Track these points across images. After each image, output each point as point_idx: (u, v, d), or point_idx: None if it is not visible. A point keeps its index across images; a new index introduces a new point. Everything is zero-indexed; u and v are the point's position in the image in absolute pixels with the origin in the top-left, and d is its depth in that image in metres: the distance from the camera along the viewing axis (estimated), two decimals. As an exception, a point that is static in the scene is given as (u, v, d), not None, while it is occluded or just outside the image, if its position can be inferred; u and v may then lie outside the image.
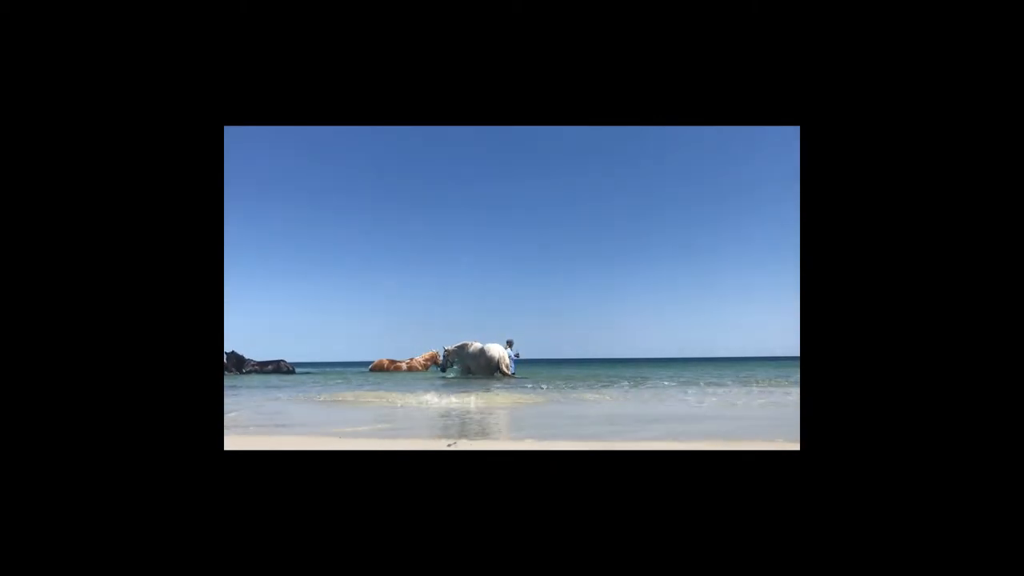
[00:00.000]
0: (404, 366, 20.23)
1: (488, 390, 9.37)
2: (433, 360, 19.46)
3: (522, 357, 14.77)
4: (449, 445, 3.82)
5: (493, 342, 14.56)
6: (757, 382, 11.12)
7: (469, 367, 14.55)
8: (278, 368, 20.02)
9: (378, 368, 20.53)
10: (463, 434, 4.51)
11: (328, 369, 25.03)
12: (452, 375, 14.89)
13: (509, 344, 14.59)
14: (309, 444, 3.95)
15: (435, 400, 7.68)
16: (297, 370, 20.45)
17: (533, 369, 17.47)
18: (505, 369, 14.03)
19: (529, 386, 10.34)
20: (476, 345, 14.52)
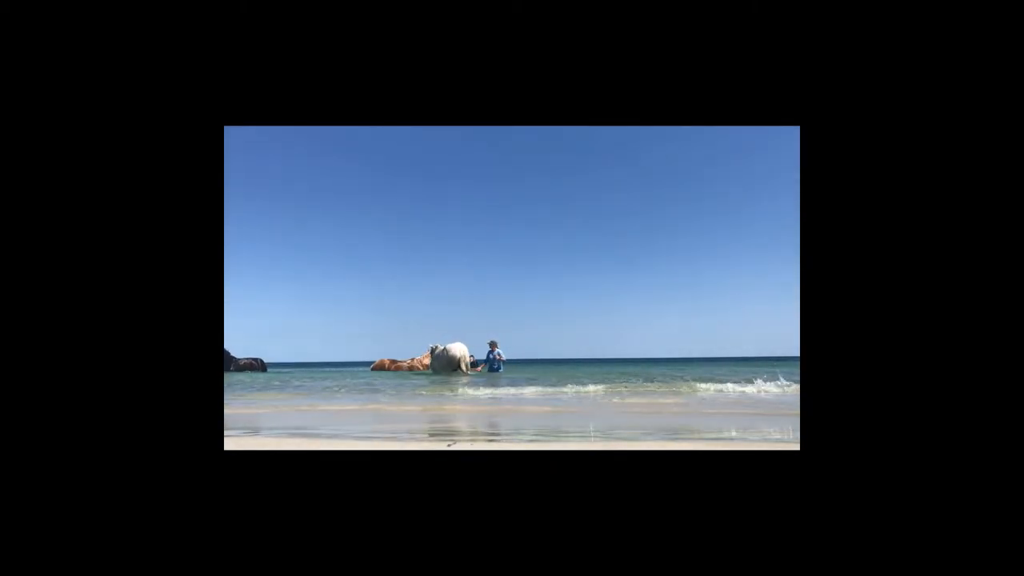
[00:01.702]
0: (405, 366, 20.28)
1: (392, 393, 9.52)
2: None
3: (519, 357, 16.41)
4: (449, 445, 3.82)
5: (489, 341, 16.52)
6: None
7: (434, 366, 16.68)
8: (253, 366, 20.93)
9: (379, 368, 20.59)
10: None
11: (319, 370, 24.67)
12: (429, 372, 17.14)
13: (493, 345, 16.15)
14: (309, 444, 3.95)
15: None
16: (292, 372, 21.14)
17: (524, 369, 18.21)
18: (464, 368, 15.96)
19: (464, 382, 10.91)
20: (440, 347, 16.60)
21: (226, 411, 6.76)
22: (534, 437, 4.35)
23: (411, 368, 19.99)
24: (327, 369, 25.22)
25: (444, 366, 16.22)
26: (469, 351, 16.34)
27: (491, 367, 16.10)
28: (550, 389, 9.50)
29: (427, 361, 19.96)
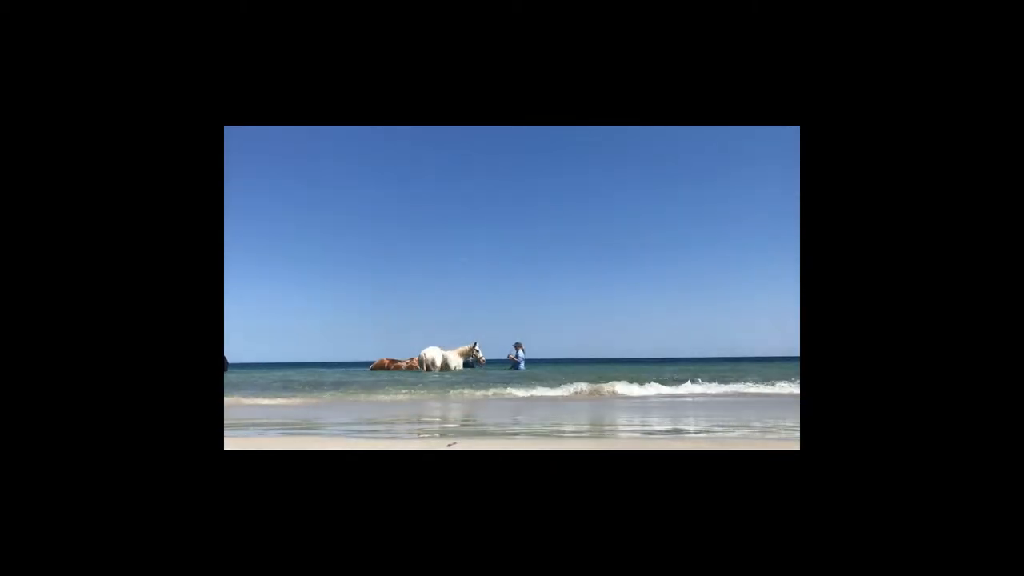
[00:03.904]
0: (404, 365, 20.31)
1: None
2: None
3: (531, 357, 19.21)
4: (449, 445, 3.82)
5: (514, 343, 19.14)
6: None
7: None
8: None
9: (379, 367, 20.62)
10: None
11: (304, 370, 23.76)
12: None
13: (517, 347, 18.81)
14: (309, 444, 3.95)
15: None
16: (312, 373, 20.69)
17: (536, 367, 19.13)
18: (430, 367, 19.07)
19: (412, 380, 12.34)
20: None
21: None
22: (534, 437, 4.36)
23: (410, 367, 20.01)
24: (310, 369, 24.28)
25: (424, 366, 19.36)
26: (440, 354, 19.54)
27: (514, 365, 18.46)
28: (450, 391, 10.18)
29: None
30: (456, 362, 19.84)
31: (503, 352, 19.17)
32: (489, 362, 20.11)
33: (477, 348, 19.72)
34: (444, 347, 20.34)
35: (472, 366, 19.56)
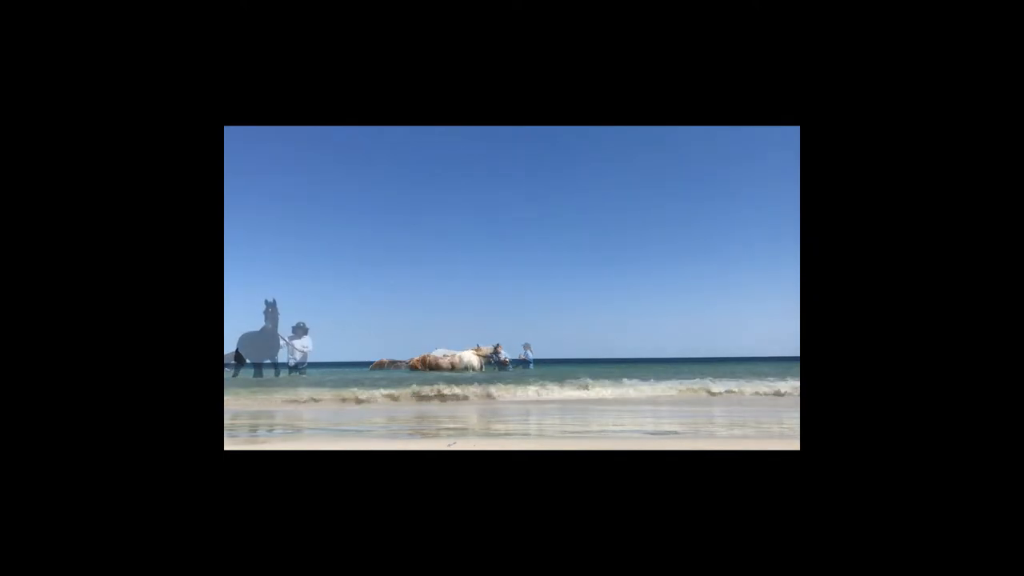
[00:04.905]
0: (403, 365, 20.40)
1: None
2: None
3: (538, 357, 20.04)
4: (449, 445, 3.82)
5: (523, 344, 20.04)
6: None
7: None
8: (240, 360, 20.06)
9: (379, 367, 20.76)
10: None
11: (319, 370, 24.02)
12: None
13: (526, 347, 19.88)
14: (309, 444, 3.95)
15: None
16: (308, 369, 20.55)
17: (543, 366, 19.49)
18: (432, 367, 19.53)
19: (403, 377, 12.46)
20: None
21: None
22: (533, 437, 4.36)
23: (411, 367, 20.09)
24: (313, 369, 24.24)
25: (432, 367, 19.70)
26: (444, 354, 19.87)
27: (523, 364, 19.37)
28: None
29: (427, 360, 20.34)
30: (468, 361, 19.84)
31: (514, 352, 20.14)
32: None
33: (500, 349, 20.19)
34: (457, 348, 20.32)
35: (495, 366, 20.05)
